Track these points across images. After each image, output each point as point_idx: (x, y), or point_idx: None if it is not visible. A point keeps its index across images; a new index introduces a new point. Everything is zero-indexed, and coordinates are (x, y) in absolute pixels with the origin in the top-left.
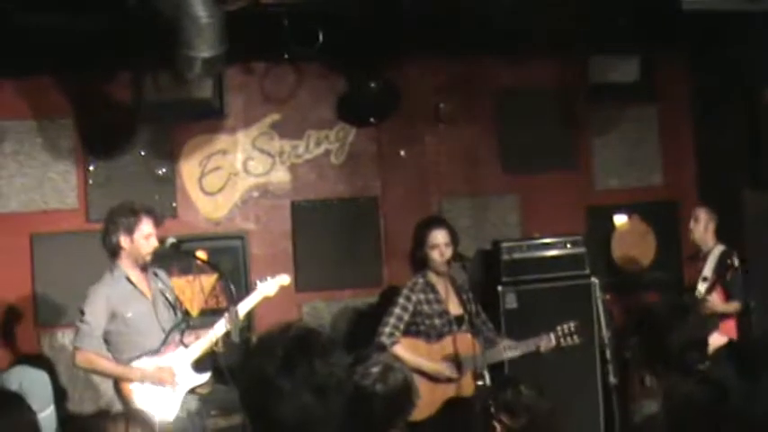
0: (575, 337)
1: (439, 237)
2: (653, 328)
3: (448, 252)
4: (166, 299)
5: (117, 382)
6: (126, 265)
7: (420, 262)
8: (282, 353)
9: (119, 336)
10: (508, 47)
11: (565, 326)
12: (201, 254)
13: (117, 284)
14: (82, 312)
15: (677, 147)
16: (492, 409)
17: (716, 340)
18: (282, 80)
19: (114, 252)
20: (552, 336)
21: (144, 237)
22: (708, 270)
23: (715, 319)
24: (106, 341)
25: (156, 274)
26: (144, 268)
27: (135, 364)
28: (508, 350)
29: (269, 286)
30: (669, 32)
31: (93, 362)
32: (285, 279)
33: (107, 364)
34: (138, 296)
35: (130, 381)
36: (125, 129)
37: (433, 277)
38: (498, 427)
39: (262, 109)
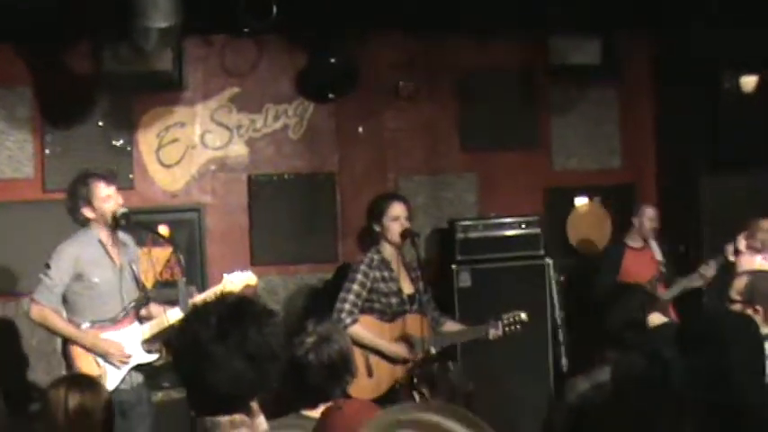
0: (519, 326)
1: (398, 209)
2: (596, 309)
3: (407, 225)
4: (132, 270)
5: (65, 343)
6: (97, 229)
7: (374, 237)
8: (216, 320)
9: (79, 297)
10: (470, 25)
11: (511, 314)
12: (164, 230)
13: (88, 245)
14: (47, 266)
15: (637, 129)
16: (415, 380)
17: (655, 319)
18: (242, 54)
19: (84, 224)
20: (499, 324)
21: (103, 201)
22: (659, 256)
23: (664, 303)
24: (65, 299)
25: (125, 245)
26: (114, 230)
27: (88, 328)
28: (457, 336)
29: (234, 281)
30: (631, 14)
31: (48, 318)
32: (252, 278)
33: (61, 323)
34: (107, 261)
35: (80, 345)
36: (83, 99)
37: (388, 254)
38: (417, 397)
39: (221, 82)
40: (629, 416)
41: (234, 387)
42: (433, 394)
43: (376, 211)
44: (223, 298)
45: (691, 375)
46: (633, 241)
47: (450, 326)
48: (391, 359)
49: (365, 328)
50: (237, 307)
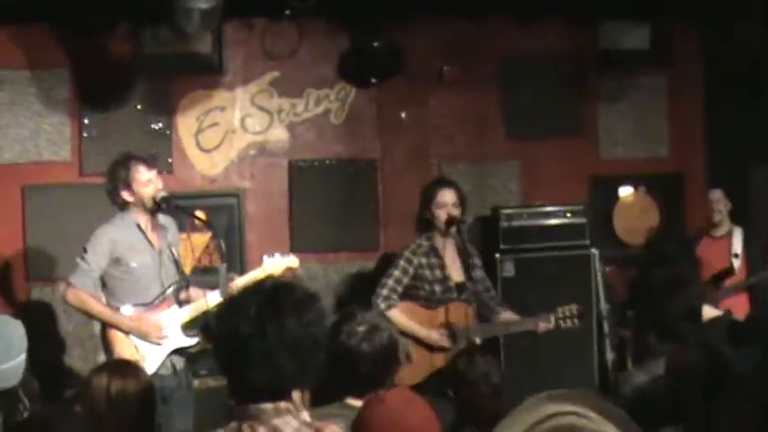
0: (575, 320)
1: (447, 196)
2: (651, 300)
3: (455, 213)
4: (172, 253)
5: (104, 328)
6: (136, 213)
7: (425, 224)
8: (255, 312)
9: (118, 281)
10: (517, 9)
11: (566, 308)
12: (200, 214)
13: (126, 230)
14: (84, 250)
15: (686, 118)
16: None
17: (708, 312)
18: (283, 37)
19: (122, 208)
20: (552, 317)
21: (143, 185)
22: (738, 247)
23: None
24: (103, 284)
25: (165, 228)
26: (153, 214)
27: (126, 311)
28: (503, 327)
29: (275, 264)
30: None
31: (85, 301)
32: (294, 261)
33: (98, 306)
34: (145, 246)
35: (118, 328)
36: (122, 82)
37: (438, 241)
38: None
39: (261, 66)
40: (685, 409)
41: (274, 380)
42: (465, 390)
43: (426, 197)
44: (261, 285)
45: (745, 369)
46: (713, 229)
47: (506, 317)
48: (429, 346)
49: (404, 314)
50: (276, 296)
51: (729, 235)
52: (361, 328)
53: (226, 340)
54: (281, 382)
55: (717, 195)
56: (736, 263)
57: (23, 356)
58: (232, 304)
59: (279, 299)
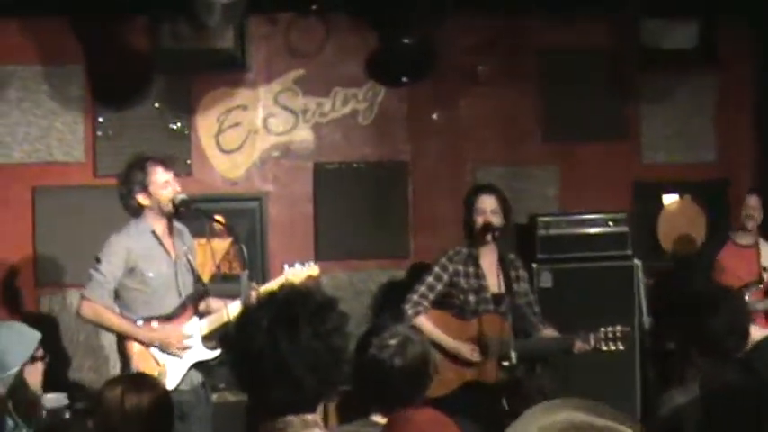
0: (618, 343)
1: (486, 202)
2: (695, 312)
3: (495, 220)
4: (188, 261)
5: (120, 341)
6: (152, 219)
7: (469, 230)
8: (267, 323)
9: (133, 293)
10: (555, 4)
11: (609, 329)
12: (219, 217)
13: (141, 237)
14: (98, 260)
15: (734, 121)
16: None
17: (756, 332)
18: (309, 33)
19: (138, 212)
20: (592, 337)
21: (160, 187)
22: (766, 260)
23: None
24: (117, 295)
25: (181, 233)
26: (170, 220)
27: (143, 324)
28: (539, 345)
29: (296, 274)
30: None
31: (100, 314)
32: (315, 269)
33: (115, 318)
34: (161, 254)
35: (136, 341)
36: (139, 78)
37: (478, 249)
38: (505, 404)
39: (286, 63)
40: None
41: (294, 394)
42: (518, 401)
43: (466, 203)
44: (275, 295)
45: None
46: (739, 236)
47: (547, 334)
48: (457, 358)
49: (433, 323)
50: (289, 305)
51: (756, 246)
52: (393, 341)
53: (240, 355)
54: (301, 397)
55: (754, 201)
56: (765, 277)
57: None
58: (245, 316)
59: (292, 308)
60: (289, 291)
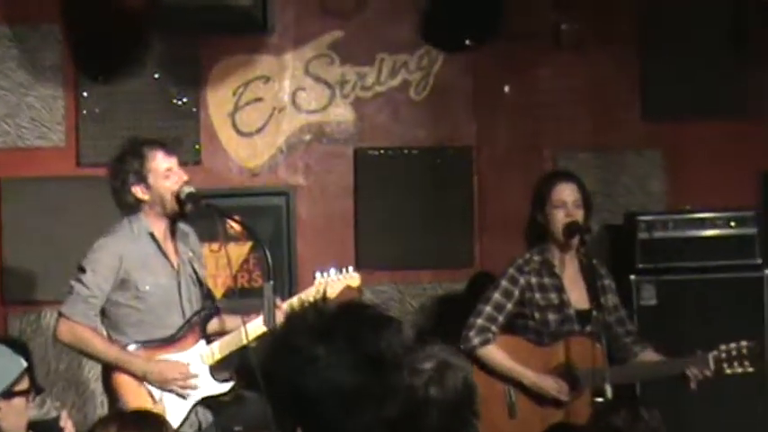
0: (746, 364)
1: (566, 193)
2: None
3: (577, 215)
4: (195, 271)
5: (107, 372)
6: (150, 218)
7: (538, 232)
8: (304, 346)
9: (125, 310)
10: None
11: (732, 346)
12: (236, 217)
13: (136, 241)
14: (81, 270)
15: None
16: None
17: None
18: None
19: (133, 209)
20: (710, 358)
21: (162, 176)
22: None
23: None
24: (105, 314)
25: (185, 237)
26: (173, 219)
27: (136, 350)
28: (642, 371)
29: (331, 284)
30: None
31: (82, 337)
32: (355, 277)
33: (101, 344)
34: (161, 262)
35: (126, 372)
36: (133, 42)
37: (554, 255)
38: None
39: (319, 23)
40: None
41: None
42: None
43: (538, 195)
44: (317, 308)
45: None
46: None
47: (647, 358)
48: (540, 396)
49: (504, 351)
50: (335, 324)
51: None
52: (429, 365)
53: (274, 386)
54: None
55: None
56: None
57: None
58: (276, 339)
59: (333, 335)
60: (337, 305)
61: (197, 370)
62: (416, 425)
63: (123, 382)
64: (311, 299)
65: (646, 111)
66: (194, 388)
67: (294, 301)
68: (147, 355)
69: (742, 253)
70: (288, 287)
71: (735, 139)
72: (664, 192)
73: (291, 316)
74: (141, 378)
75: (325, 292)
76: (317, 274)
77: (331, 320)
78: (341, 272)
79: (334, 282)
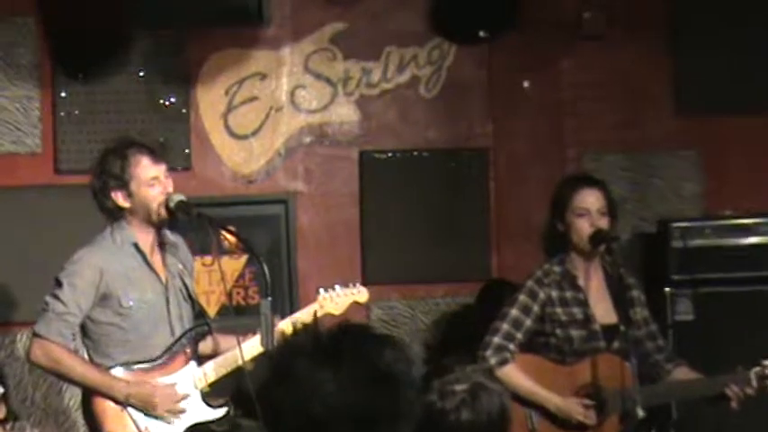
0: None
1: (590, 199)
2: None
3: (601, 224)
4: (185, 286)
5: (86, 398)
6: (135, 227)
7: (558, 241)
8: (304, 370)
9: (107, 329)
10: None
11: None
12: (230, 227)
13: (119, 253)
14: (58, 284)
15: None
16: None
17: None
18: None
19: (116, 217)
20: (752, 375)
21: (146, 184)
22: None
23: None
24: (85, 333)
25: (175, 248)
26: (161, 229)
27: (119, 373)
28: (677, 391)
29: (336, 301)
30: None
31: (59, 359)
32: (363, 294)
33: (79, 366)
34: (147, 275)
35: (108, 397)
36: (116, 36)
37: (577, 266)
38: None
39: (319, 14)
40: None
41: None
42: None
43: (558, 201)
44: (315, 331)
45: None
46: None
47: (682, 376)
48: (564, 420)
49: (524, 372)
50: (335, 346)
51: None
52: (461, 388)
53: (277, 415)
54: None
55: None
56: None
57: None
58: (273, 362)
59: (337, 354)
60: (336, 326)
61: (187, 394)
62: None
63: (104, 408)
64: (306, 322)
65: (679, 106)
66: (183, 413)
67: (290, 321)
68: (132, 379)
69: None
70: (288, 304)
71: None
72: (700, 195)
73: (288, 340)
74: (124, 403)
75: (316, 316)
76: (321, 291)
77: (331, 341)
78: (347, 287)
79: (340, 297)
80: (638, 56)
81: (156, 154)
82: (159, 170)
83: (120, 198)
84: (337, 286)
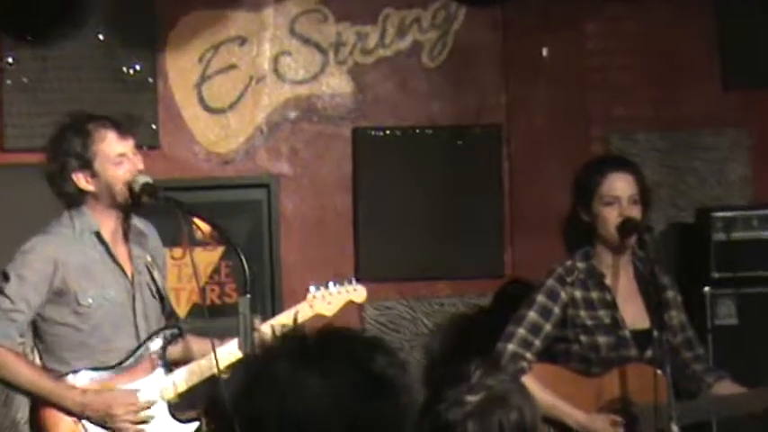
0: None
1: (620, 185)
2: None
3: (633, 213)
4: (153, 281)
5: (35, 408)
6: (97, 213)
7: (582, 233)
8: (284, 380)
9: (61, 330)
10: None
11: None
12: (202, 215)
13: (78, 242)
14: (5, 277)
15: None
16: None
17: None
18: None
19: (75, 202)
20: None
21: (113, 161)
22: None
23: None
24: (37, 334)
25: (143, 238)
26: (126, 215)
27: (75, 380)
28: (718, 405)
29: (329, 300)
30: None
31: (4, 363)
32: (360, 292)
33: (27, 371)
34: (110, 269)
35: (59, 408)
36: None
37: (604, 262)
38: None
39: None
40: None
41: None
42: None
43: (583, 187)
44: (299, 335)
45: None
46: None
47: (724, 389)
48: None
49: (542, 384)
50: (321, 354)
51: None
52: (473, 398)
53: (251, 426)
54: None
55: None
56: None
57: None
58: (252, 368)
59: (325, 359)
60: (323, 330)
61: (152, 401)
62: None
63: (56, 421)
64: (285, 326)
65: (725, 77)
66: (146, 423)
67: (274, 323)
68: (89, 388)
69: None
70: (270, 303)
71: None
72: (747, 181)
73: (269, 343)
74: (79, 414)
75: (296, 318)
76: (312, 288)
77: (318, 345)
78: (342, 284)
79: (334, 296)
80: (677, 17)
81: (123, 127)
82: (127, 146)
83: (82, 180)
84: (330, 283)
